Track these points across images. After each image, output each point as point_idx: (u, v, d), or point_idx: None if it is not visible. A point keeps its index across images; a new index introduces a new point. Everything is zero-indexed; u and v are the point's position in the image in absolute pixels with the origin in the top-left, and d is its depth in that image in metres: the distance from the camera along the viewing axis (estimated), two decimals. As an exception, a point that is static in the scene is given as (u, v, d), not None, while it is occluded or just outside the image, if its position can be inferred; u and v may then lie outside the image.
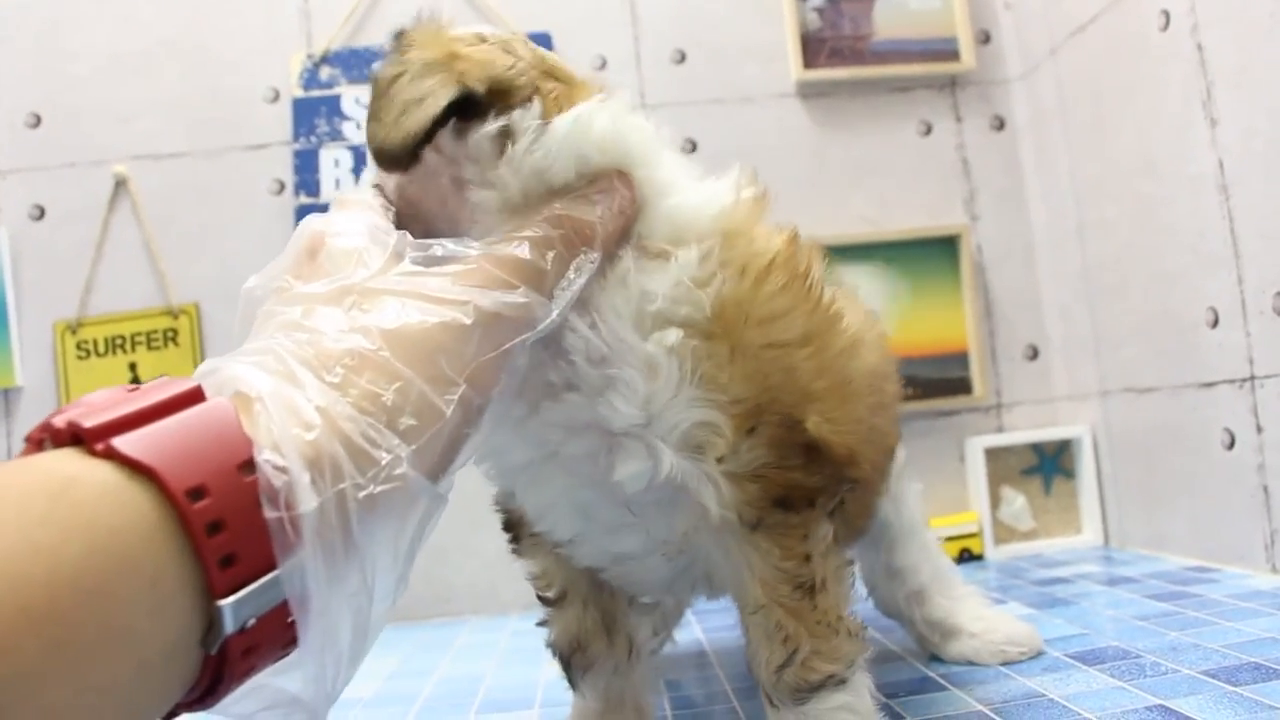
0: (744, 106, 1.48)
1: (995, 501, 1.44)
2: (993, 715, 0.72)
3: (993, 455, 1.45)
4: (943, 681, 0.82)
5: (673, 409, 0.56)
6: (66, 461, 0.32)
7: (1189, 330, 1.17)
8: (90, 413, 0.33)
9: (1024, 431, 1.47)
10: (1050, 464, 1.45)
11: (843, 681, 0.60)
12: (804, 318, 0.61)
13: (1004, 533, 1.44)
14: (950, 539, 1.37)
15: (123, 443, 0.32)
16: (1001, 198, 1.52)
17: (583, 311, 0.56)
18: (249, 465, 0.34)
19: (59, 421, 0.33)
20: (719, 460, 0.57)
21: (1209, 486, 1.17)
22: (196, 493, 0.32)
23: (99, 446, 0.32)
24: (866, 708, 0.61)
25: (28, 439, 0.35)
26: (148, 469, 0.32)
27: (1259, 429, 1.07)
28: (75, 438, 0.33)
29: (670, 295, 0.56)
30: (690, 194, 0.60)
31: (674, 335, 0.56)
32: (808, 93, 1.50)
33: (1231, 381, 1.11)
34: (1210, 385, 1.14)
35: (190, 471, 0.32)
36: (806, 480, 0.59)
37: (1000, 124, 1.53)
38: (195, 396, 0.35)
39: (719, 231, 0.59)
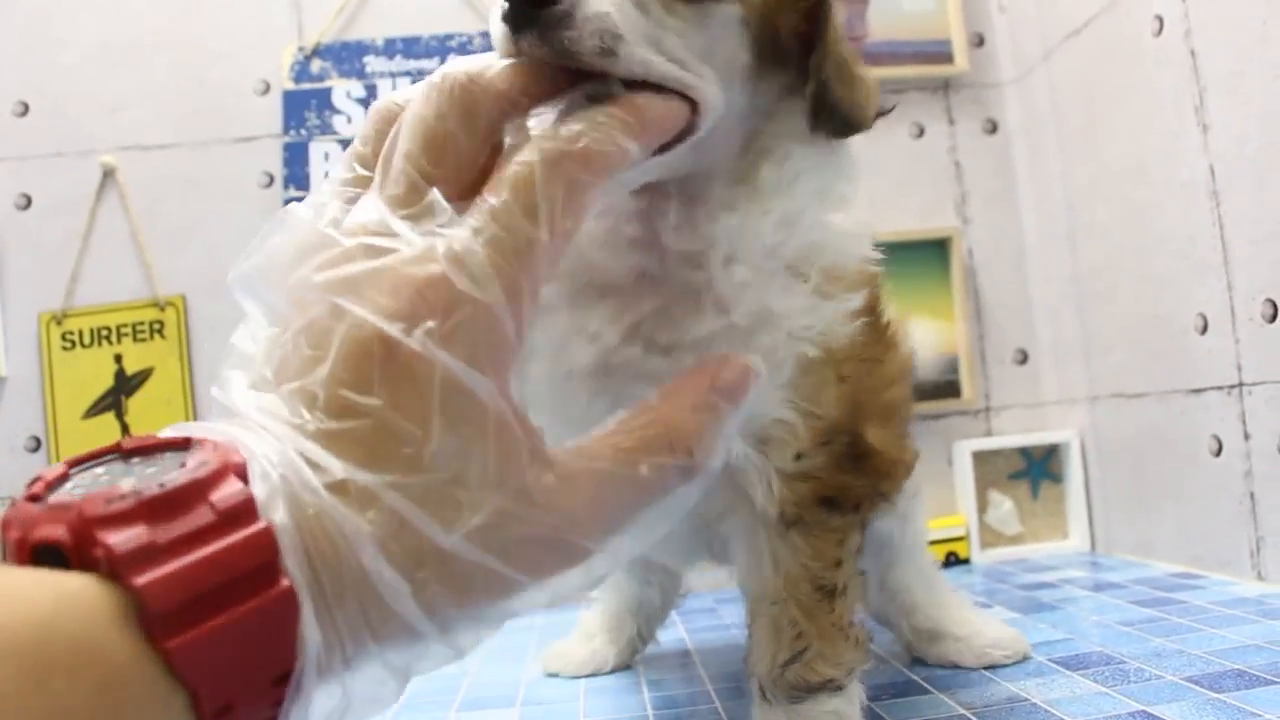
0: (736, 106, 1.47)
1: (982, 505, 1.44)
2: (974, 719, 0.72)
3: (980, 459, 1.45)
4: (925, 684, 0.82)
5: (758, 400, 0.57)
6: (110, 641, 0.30)
7: (1178, 336, 1.17)
8: (123, 526, 0.31)
9: (1012, 435, 1.47)
10: (1038, 468, 1.45)
11: (840, 688, 0.63)
12: (878, 345, 0.66)
13: (991, 537, 1.43)
14: (936, 542, 1.36)
15: (172, 638, 0.30)
16: (993, 201, 1.51)
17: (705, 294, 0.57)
18: (283, 677, 0.33)
19: (86, 513, 0.31)
20: (786, 459, 0.59)
21: (1196, 493, 1.16)
22: (224, 710, 0.31)
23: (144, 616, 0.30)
24: (855, 717, 0.62)
25: (32, 495, 0.33)
26: (190, 685, 0.30)
27: (1246, 436, 1.07)
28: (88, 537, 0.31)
29: (807, 323, 0.58)
30: (848, 240, 0.62)
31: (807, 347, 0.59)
32: (800, 93, 1.49)
33: (1220, 388, 1.11)
34: (1199, 391, 1.14)
35: (225, 688, 0.31)
36: (855, 483, 0.62)
37: (993, 127, 1.52)
38: (265, 565, 0.33)
39: (862, 281, 0.62)
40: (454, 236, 0.38)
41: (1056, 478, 1.45)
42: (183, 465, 0.33)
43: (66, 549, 0.30)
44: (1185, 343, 1.15)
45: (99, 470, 0.35)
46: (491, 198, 0.39)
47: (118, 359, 1.40)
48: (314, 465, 0.34)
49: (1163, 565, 1.22)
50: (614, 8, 0.47)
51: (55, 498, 0.33)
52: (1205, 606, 0.99)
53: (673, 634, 1.09)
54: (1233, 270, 1.07)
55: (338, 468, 0.34)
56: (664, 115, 0.46)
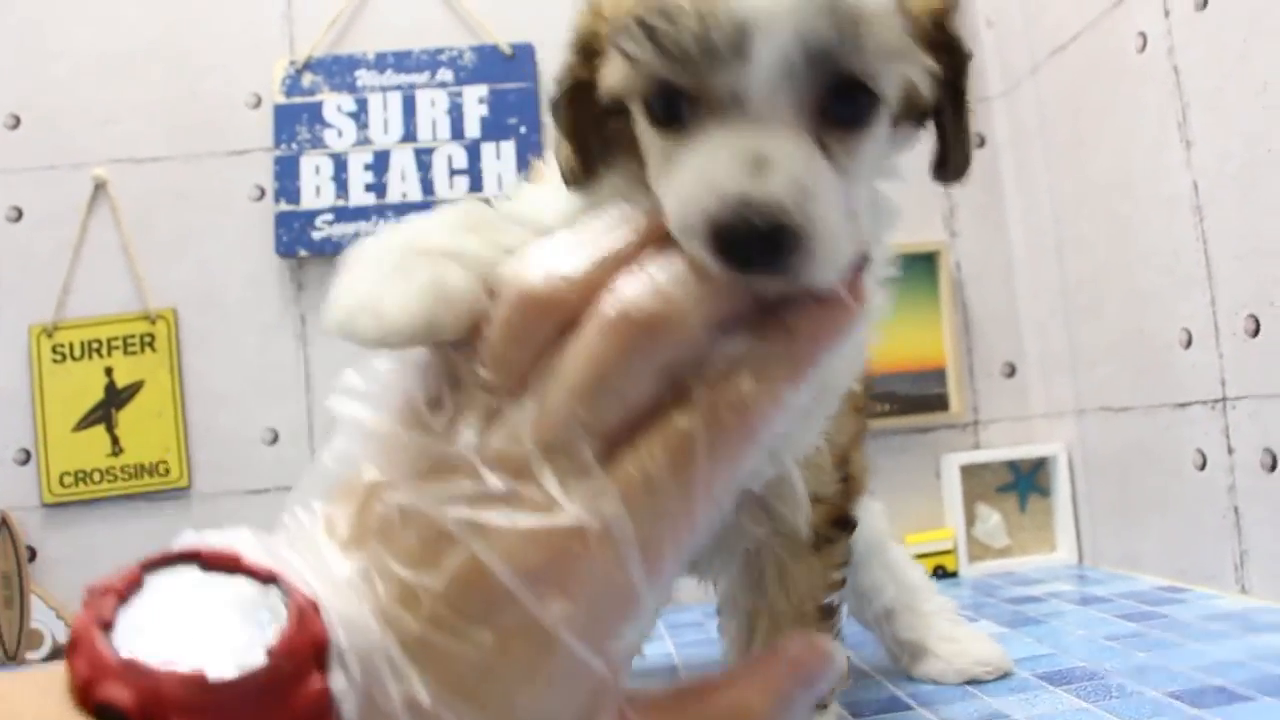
0: (725, 120, 1.48)
1: (970, 518, 1.44)
2: (957, 736, 0.72)
3: (968, 472, 1.45)
4: (909, 701, 0.82)
5: (805, 428, 0.60)
6: None
7: (1163, 350, 1.17)
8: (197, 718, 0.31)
9: (1000, 449, 1.47)
10: (1026, 482, 1.46)
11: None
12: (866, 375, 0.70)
13: (979, 550, 1.44)
14: (924, 555, 1.37)
15: None
16: (981, 214, 1.52)
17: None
18: None
19: (162, 694, 0.31)
20: (822, 482, 0.63)
21: (1181, 506, 1.17)
22: None
23: None
24: None
25: (102, 618, 0.32)
26: None
27: (1230, 450, 1.08)
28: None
29: (852, 356, 0.61)
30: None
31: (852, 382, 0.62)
32: (789, 107, 1.50)
33: (1204, 402, 1.11)
34: (1184, 406, 1.15)
35: None
36: (847, 505, 0.67)
37: (981, 141, 1.53)
38: None
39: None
40: (604, 503, 0.35)
41: (1044, 491, 1.46)
42: (267, 644, 0.33)
43: (131, 715, 0.30)
44: (1170, 357, 1.16)
45: (175, 585, 0.34)
46: (647, 458, 0.36)
47: (108, 372, 1.41)
48: (399, 675, 0.33)
49: (1148, 579, 1.23)
50: (828, 202, 0.40)
51: (129, 626, 0.32)
52: (1189, 621, 0.99)
53: (660, 648, 1.09)
54: (1216, 285, 1.08)
55: (424, 693, 0.33)
56: (838, 331, 0.40)
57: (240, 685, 0.31)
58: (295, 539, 0.38)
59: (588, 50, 0.48)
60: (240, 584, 0.35)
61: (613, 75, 0.45)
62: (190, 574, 0.35)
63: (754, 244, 0.38)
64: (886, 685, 0.88)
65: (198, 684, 0.31)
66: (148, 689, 0.30)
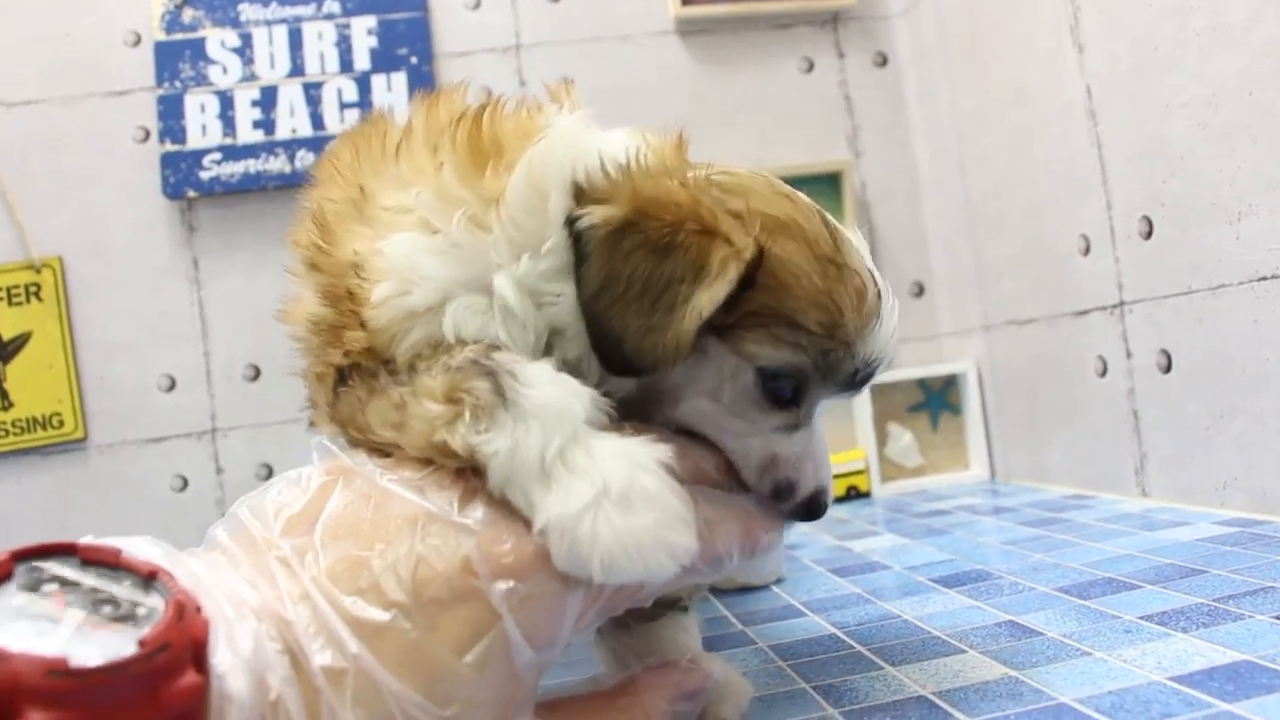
0: (622, 44, 1.45)
1: (882, 438, 1.44)
2: (844, 637, 0.72)
3: (878, 392, 1.44)
4: (802, 608, 0.82)
5: None
6: None
7: (1063, 259, 1.17)
8: (55, 708, 0.31)
9: (910, 368, 1.47)
10: (937, 400, 1.46)
11: (685, 609, 0.65)
12: None
13: (892, 470, 1.44)
14: (836, 477, 1.36)
15: None
16: (885, 133, 1.51)
17: None
18: None
19: (20, 679, 0.30)
20: None
21: (1084, 415, 1.17)
22: None
23: None
24: (697, 633, 0.64)
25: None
26: None
27: (1129, 354, 1.08)
28: None
29: None
30: None
31: None
32: (687, 30, 1.47)
33: (1103, 308, 1.11)
34: (1084, 313, 1.15)
35: None
36: None
37: (883, 60, 1.51)
38: None
39: None
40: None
41: (956, 409, 1.46)
42: (140, 636, 0.32)
43: None
44: (1069, 265, 1.16)
45: (46, 577, 0.34)
46: None
47: (-9, 324, 1.36)
48: (335, 640, 0.37)
49: (1056, 489, 1.23)
50: None
51: None
52: (1089, 524, 0.99)
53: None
54: (1111, 189, 1.07)
55: (356, 647, 0.37)
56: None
57: (105, 673, 0.31)
58: (233, 525, 0.42)
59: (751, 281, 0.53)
60: (120, 578, 0.35)
61: (771, 353, 0.54)
62: (66, 565, 0.35)
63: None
64: (780, 594, 0.87)
65: (60, 670, 0.30)
66: (4, 674, 0.30)
